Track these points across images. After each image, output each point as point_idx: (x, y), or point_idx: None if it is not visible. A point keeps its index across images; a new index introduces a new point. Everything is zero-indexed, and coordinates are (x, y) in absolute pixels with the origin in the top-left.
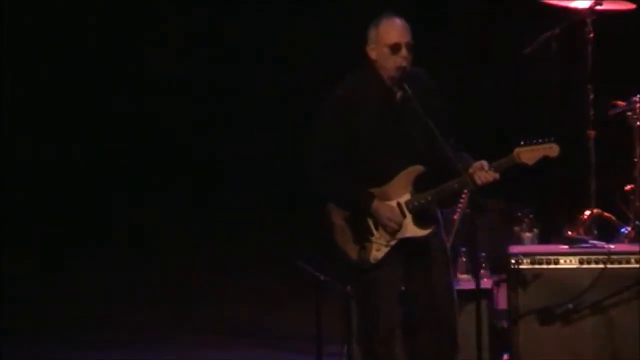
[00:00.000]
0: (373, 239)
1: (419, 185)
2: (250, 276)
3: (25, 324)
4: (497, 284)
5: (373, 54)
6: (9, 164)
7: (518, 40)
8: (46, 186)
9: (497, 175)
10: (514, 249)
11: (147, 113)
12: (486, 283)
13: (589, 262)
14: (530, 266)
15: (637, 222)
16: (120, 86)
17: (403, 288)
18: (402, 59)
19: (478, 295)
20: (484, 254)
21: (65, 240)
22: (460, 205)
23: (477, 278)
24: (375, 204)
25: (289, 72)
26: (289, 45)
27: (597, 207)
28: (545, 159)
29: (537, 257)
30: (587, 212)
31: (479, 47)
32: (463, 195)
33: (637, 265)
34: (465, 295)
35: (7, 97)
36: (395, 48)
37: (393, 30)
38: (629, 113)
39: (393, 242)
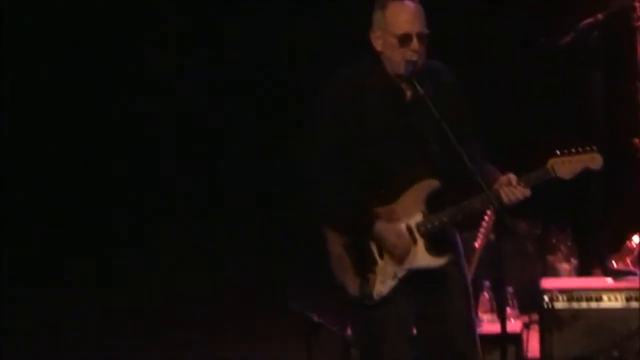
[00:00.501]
0: (377, 269)
1: (433, 203)
2: (239, 315)
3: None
4: (527, 326)
5: (378, 44)
6: (9, 164)
7: (550, 28)
8: (47, 186)
9: (527, 192)
10: (548, 283)
11: (147, 113)
12: (514, 325)
13: (637, 300)
14: (567, 305)
15: None
16: (121, 86)
17: (414, 330)
18: (412, 52)
19: (504, 340)
20: (511, 289)
21: (65, 242)
22: (482, 228)
23: (503, 319)
24: (380, 225)
25: (290, 72)
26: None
27: None
28: (585, 172)
29: (576, 294)
30: (637, 239)
31: (500, 36)
32: (486, 217)
33: None
34: (489, 340)
35: (7, 96)
36: (404, 39)
37: (403, 16)
38: None
39: (401, 274)
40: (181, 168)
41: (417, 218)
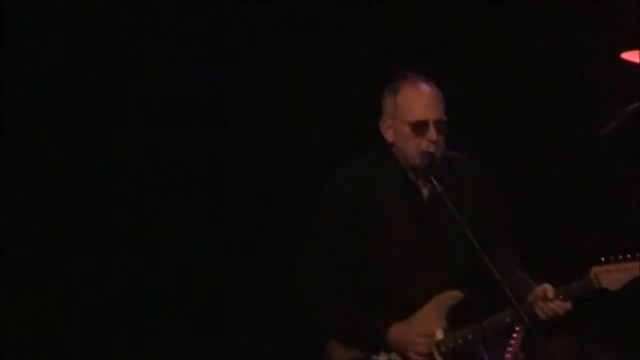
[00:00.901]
0: None
1: (455, 318)
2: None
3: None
4: None
5: (389, 134)
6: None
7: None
8: (47, 186)
9: (568, 306)
10: None
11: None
12: None
13: None
14: None
15: None
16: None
17: None
18: (429, 142)
19: None
20: None
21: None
22: (511, 348)
23: None
24: (395, 330)
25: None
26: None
27: None
28: (636, 282)
29: None
30: None
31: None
32: (515, 333)
33: None
34: None
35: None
36: (419, 127)
37: (418, 101)
38: None
39: None
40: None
41: (438, 335)
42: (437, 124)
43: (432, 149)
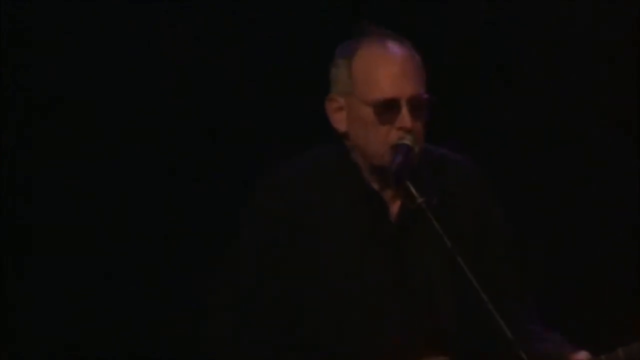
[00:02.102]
0: None
1: None
2: None
3: None
4: None
5: (340, 119)
6: None
7: None
8: None
9: None
10: None
11: None
12: None
13: None
14: None
15: None
16: None
17: None
18: (401, 131)
19: None
20: None
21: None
22: None
23: None
24: None
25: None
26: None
27: None
28: None
29: None
30: None
31: None
32: None
33: None
34: None
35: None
36: (387, 109)
37: (384, 69)
38: None
39: None
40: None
41: None
42: (413, 103)
43: (407, 140)
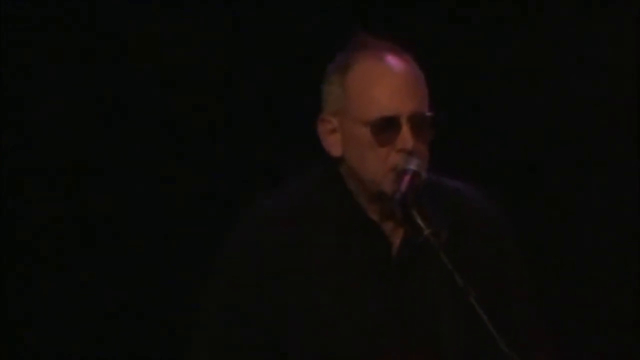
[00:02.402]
0: None
1: None
2: None
3: None
4: None
5: (334, 142)
6: None
7: None
8: None
9: None
10: None
11: None
12: None
13: None
14: None
15: None
16: None
17: None
18: (401, 153)
19: None
20: None
21: None
22: None
23: None
24: None
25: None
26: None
27: None
28: None
29: None
30: None
31: None
32: None
33: None
34: None
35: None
36: (386, 128)
37: (381, 85)
38: None
39: None
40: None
41: None
42: (415, 121)
43: (412, 165)
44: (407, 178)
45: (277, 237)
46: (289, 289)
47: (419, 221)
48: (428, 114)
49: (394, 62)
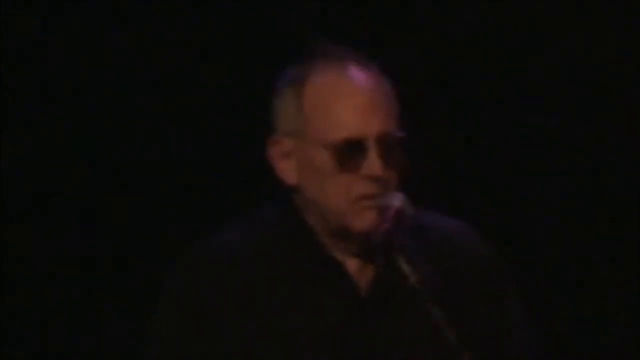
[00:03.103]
0: None
1: None
2: None
3: None
4: None
5: (288, 168)
6: None
7: None
8: None
9: None
10: None
11: None
12: None
13: None
14: None
15: None
16: None
17: None
18: (367, 180)
19: None
20: None
21: None
22: None
23: None
24: None
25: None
26: None
27: None
28: None
29: None
30: None
31: None
32: None
33: None
34: None
35: None
36: (349, 151)
37: (344, 101)
38: None
39: None
40: None
41: None
42: (384, 143)
43: (395, 200)
44: (389, 216)
45: (224, 283)
46: (242, 341)
47: (405, 267)
48: (399, 134)
49: (358, 74)
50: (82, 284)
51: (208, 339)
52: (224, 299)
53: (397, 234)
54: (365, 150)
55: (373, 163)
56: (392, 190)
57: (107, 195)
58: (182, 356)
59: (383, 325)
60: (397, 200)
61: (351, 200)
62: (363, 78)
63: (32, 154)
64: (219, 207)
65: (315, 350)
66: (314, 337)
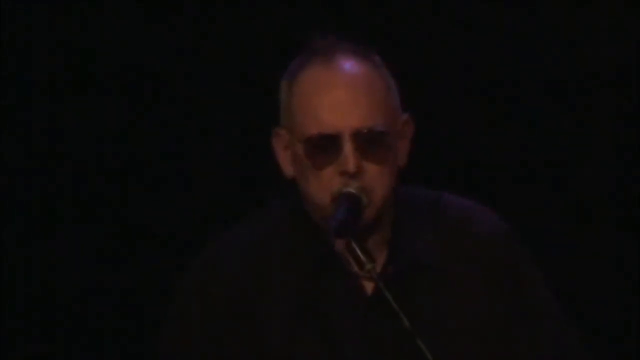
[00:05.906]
0: None
1: None
2: None
3: None
4: None
5: (285, 159)
6: None
7: None
8: None
9: None
10: None
11: None
12: None
13: None
14: None
15: None
16: None
17: None
18: (344, 177)
19: None
20: None
21: None
22: None
23: None
24: None
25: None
26: None
27: None
28: None
29: None
30: None
31: None
32: None
33: None
34: None
35: None
36: (322, 148)
37: (320, 95)
38: None
39: None
40: None
41: None
42: (362, 138)
43: (350, 187)
44: (344, 205)
45: (232, 282)
46: (249, 338)
47: (360, 254)
48: (379, 129)
49: (344, 67)
50: (82, 284)
51: (219, 338)
52: (234, 299)
53: (354, 221)
54: (339, 145)
55: (347, 159)
56: (378, 185)
57: (108, 195)
58: (195, 355)
59: (389, 318)
60: (352, 187)
61: (328, 196)
62: (346, 72)
63: (32, 154)
64: (227, 204)
65: (320, 346)
66: (321, 333)
